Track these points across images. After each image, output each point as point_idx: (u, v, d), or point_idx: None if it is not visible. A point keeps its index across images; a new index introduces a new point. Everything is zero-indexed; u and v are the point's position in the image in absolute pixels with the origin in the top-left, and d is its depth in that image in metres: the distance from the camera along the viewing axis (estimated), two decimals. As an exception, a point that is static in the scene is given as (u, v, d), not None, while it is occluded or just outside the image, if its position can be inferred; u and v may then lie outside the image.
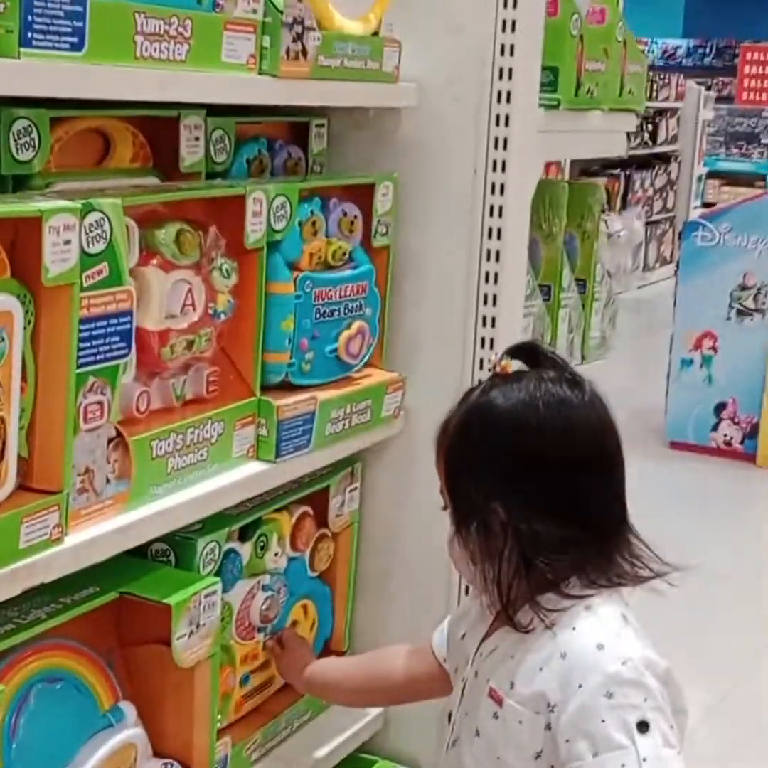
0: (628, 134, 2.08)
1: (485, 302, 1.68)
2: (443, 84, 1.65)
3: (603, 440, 1.27)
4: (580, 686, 1.18)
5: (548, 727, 1.20)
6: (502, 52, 1.62)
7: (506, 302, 1.68)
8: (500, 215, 1.65)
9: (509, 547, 1.24)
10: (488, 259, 1.67)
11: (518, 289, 1.73)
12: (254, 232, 1.43)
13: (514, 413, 1.25)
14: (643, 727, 1.15)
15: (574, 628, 1.22)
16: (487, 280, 1.67)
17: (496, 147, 1.64)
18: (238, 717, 1.61)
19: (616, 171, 8.00)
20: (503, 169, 1.64)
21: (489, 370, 1.32)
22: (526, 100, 1.65)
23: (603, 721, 1.16)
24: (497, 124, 1.63)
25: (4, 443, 1.12)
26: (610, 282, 2.11)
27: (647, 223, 8.19)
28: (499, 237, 1.66)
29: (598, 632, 1.21)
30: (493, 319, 1.68)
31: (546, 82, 1.75)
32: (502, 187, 1.64)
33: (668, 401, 4.81)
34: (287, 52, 1.41)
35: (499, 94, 1.63)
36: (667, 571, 1.28)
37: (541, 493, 1.23)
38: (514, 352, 1.31)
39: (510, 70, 1.62)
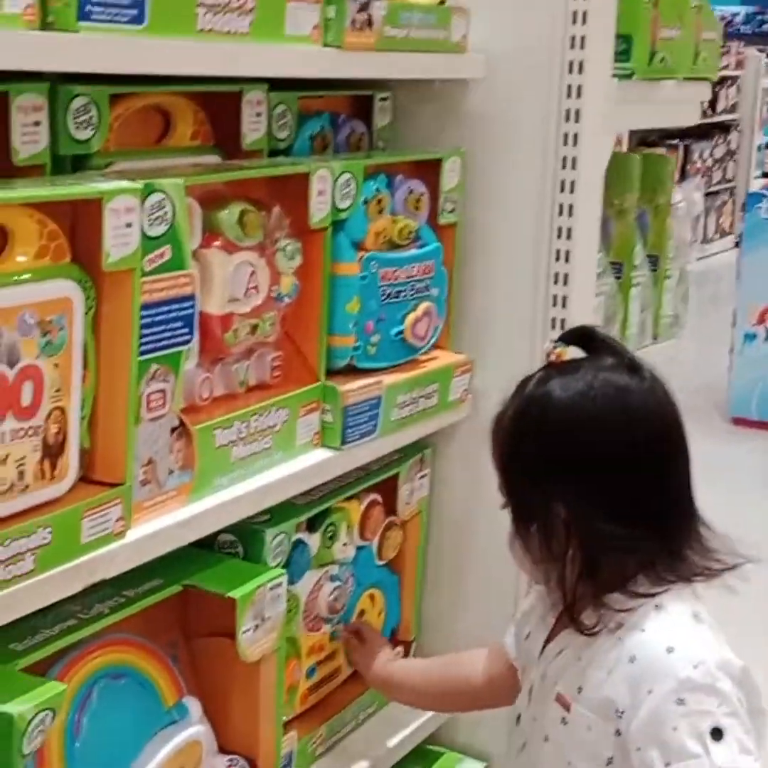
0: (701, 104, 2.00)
1: (556, 281, 1.61)
2: (513, 54, 1.58)
3: (666, 430, 1.20)
4: (649, 692, 1.12)
5: (618, 733, 1.15)
6: (574, 20, 1.54)
7: (578, 281, 1.61)
8: (572, 191, 1.58)
9: (572, 547, 1.18)
10: (559, 236, 1.60)
11: (590, 267, 1.66)
12: (319, 211, 1.38)
13: (571, 406, 1.19)
14: (717, 734, 1.10)
15: (643, 630, 1.16)
16: (558, 258, 1.61)
17: (567, 119, 1.57)
18: (303, 710, 1.57)
19: (675, 141, 7.84)
20: (575, 142, 1.57)
21: (545, 358, 1.25)
22: (599, 70, 1.58)
23: (675, 728, 1.10)
24: (569, 95, 1.56)
25: (64, 434, 1.08)
26: (682, 258, 2.03)
27: (706, 194, 8.04)
28: (570, 213, 1.59)
29: (668, 634, 1.15)
30: (564, 299, 1.62)
31: (619, 51, 1.67)
32: (574, 161, 1.58)
33: (731, 377, 4.71)
34: (352, 22, 1.35)
35: (571, 64, 1.56)
36: (741, 563, 1.21)
37: (604, 489, 1.17)
38: (569, 338, 1.26)
39: (582, 39, 1.54)
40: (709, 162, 8.33)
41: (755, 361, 4.65)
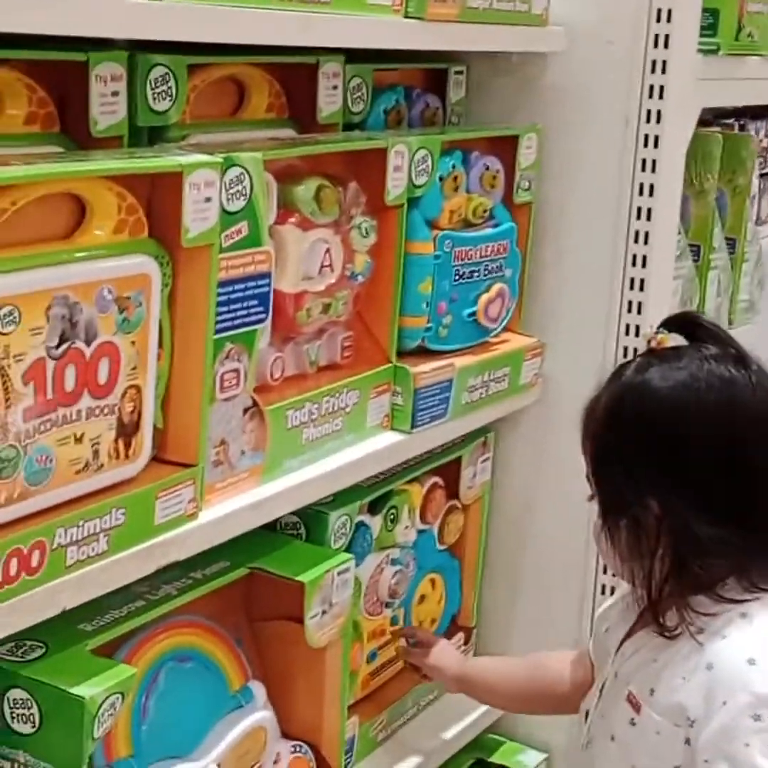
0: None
1: (634, 264, 1.57)
2: (594, 27, 1.53)
3: None
4: (724, 703, 1.07)
5: (687, 742, 1.10)
6: (660, -7, 1.49)
7: (657, 264, 1.56)
8: (653, 170, 1.53)
9: (662, 546, 1.12)
10: (638, 217, 1.55)
11: (669, 250, 1.61)
12: (395, 187, 1.34)
13: (673, 397, 1.12)
14: None
15: (724, 637, 1.11)
16: (636, 239, 1.56)
17: (650, 96, 1.52)
18: (364, 695, 1.55)
19: (730, 120, 7.71)
20: (658, 120, 1.52)
21: (645, 344, 1.19)
22: (685, 45, 1.53)
23: (747, 744, 1.05)
24: (653, 71, 1.51)
25: (139, 413, 1.06)
26: (761, 242, 1.97)
27: (761, 175, 7.90)
28: (651, 194, 1.54)
29: (752, 644, 1.10)
30: (642, 282, 1.57)
31: (705, 26, 1.61)
32: (656, 139, 1.53)
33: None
34: (434, -7, 1.31)
35: (656, 38, 1.50)
36: None
37: (702, 487, 1.11)
38: (672, 324, 1.19)
39: (668, 12, 1.49)
40: (765, 142, 8.19)
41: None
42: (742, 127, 7.45)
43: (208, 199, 1.06)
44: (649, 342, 1.19)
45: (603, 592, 1.64)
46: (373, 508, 1.48)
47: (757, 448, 1.13)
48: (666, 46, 1.50)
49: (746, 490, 1.12)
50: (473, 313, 1.50)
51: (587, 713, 1.27)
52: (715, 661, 1.10)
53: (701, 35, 1.59)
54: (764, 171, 7.39)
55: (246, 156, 1.12)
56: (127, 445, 1.05)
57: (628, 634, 1.22)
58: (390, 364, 1.40)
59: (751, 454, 1.12)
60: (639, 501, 1.13)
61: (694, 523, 1.10)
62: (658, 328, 1.20)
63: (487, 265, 1.51)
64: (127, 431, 1.05)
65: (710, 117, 6.86)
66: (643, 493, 1.13)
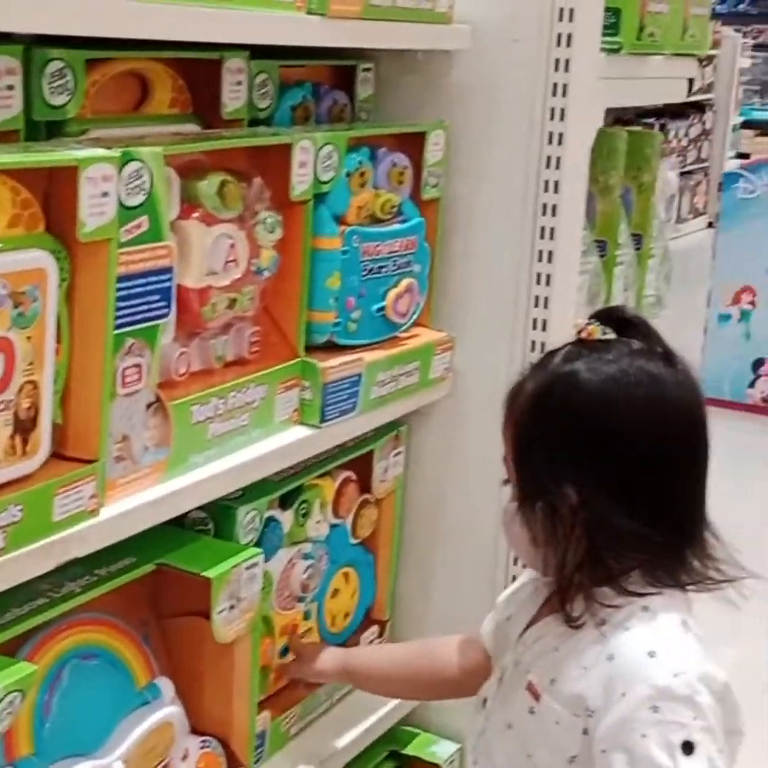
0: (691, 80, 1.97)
1: (540, 259, 1.59)
2: (499, 25, 1.55)
3: (693, 428, 1.16)
4: (623, 695, 1.07)
5: (586, 732, 1.10)
6: (563, -7, 1.52)
7: (562, 259, 1.59)
8: (558, 167, 1.55)
9: (577, 534, 1.13)
10: (544, 213, 1.57)
11: (574, 245, 1.63)
12: (301, 183, 1.34)
13: (602, 391, 1.13)
14: (688, 748, 1.05)
15: (627, 629, 1.12)
16: (542, 235, 1.58)
17: (554, 94, 1.54)
18: (276, 689, 1.55)
19: (651, 120, 7.82)
20: (562, 117, 1.54)
21: (575, 334, 1.20)
22: (587, 44, 1.55)
23: (644, 736, 1.05)
24: (557, 69, 1.53)
25: (36, 409, 1.05)
26: (666, 238, 2.01)
27: (680, 174, 8.02)
28: (555, 190, 1.56)
29: (653, 637, 1.11)
30: (548, 277, 1.59)
31: (607, 25, 1.64)
32: (561, 137, 1.54)
33: (705, 357, 4.71)
34: (337, -11, 1.32)
35: (559, 36, 1.52)
36: (741, 578, 1.16)
37: (622, 481, 1.12)
38: (602, 316, 1.20)
39: (571, 11, 1.51)
40: (685, 142, 8.32)
41: (729, 342, 4.66)
42: (662, 127, 7.59)
43: (105, 194, 1.05)
44: (579, 332, 1.19)
45: (513, 582, 1.66)
46: (284, 503, 1.49)
47: (681, 445, 1.14)
48: (569, 44, 1.52)
49: (666, 487, 1.13)
50: (382, 308, 1.51)
51: (485, 701, 1.27)
52: (617, 653, 1.11)
53: (604, 35, 1.61)
54: (684, 169, 7.53)
55: (145, 151, 1.12)
56: (25, 442, 1.04)
57: (531, 623, 1.23)
58: (298, 359, 1.40)
59: (675, 451, 1.14)
60: (558, 489, 1.14)
61: (613, 515, 1.11)
62: (590, 319, 1.20)
63: (395, 261, 1.52)
64: (24, 427, 1.04)
65: (632, 116, 6.94)
66: (562, 481, 1.13)
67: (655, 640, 1.11)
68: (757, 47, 10.58)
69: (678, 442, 1.14)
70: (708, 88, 9.38)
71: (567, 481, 1.13)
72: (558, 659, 1.16)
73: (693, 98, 8.87)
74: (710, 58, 8.94)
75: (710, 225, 4.94)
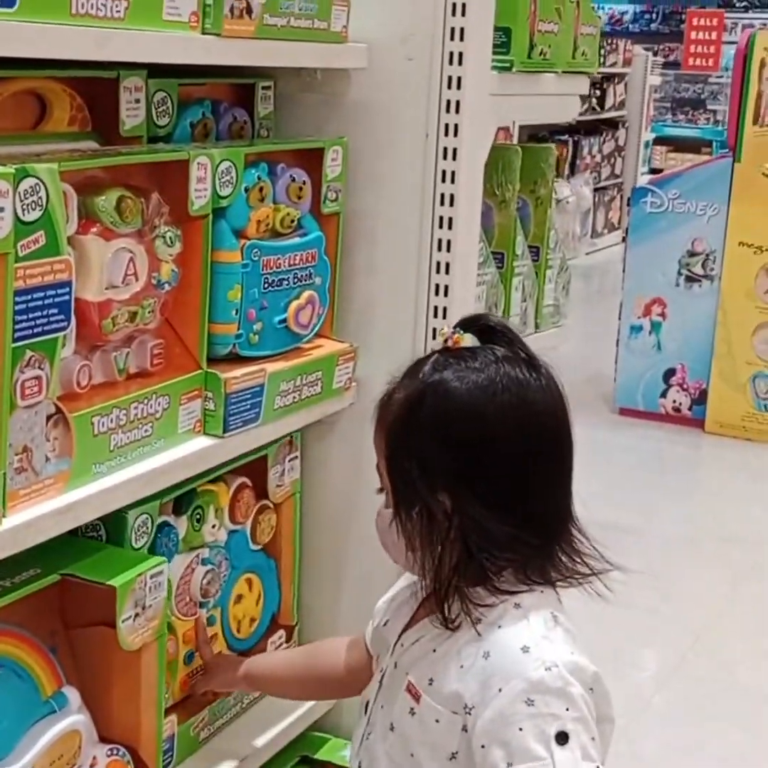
0: (580, 97, 2.03)
1: (438, 271, 1.63)
2: (393, 45, 1.60)
3: (559, 430, 1.20)
4: (500, 690, 1.11)
5: (465, 729, 1.14)
6: (454, 12, 1.57)
7: (459, 270, 1.64)
8: (453, 181, 1.60)
9: (453, 537, 1.16)
10: (441, 226, 1.62)
11: (471, 257, 1.69)
12: (199, 198, 1.38)
13: (470, 399, 1.16)
14: (562, 738, 1.09)
15: (499, 627, 1.16)
16: (439, 247, 1.63)
17: (448, 110, 1.59)
18: (183, 696, 1.57)
19: (565, 137, 7.97)
20: (455, 133, 1.59)
21: (441, 343, 1.22)
22: (478, 62, 1.60)
23: (521, 729, 1.09)
24: (449, 86, 1.58)
25: (-65, 422, 1.07)
26: (563, 249, 2.07)
27: (595, 189, 8.18)
28: (451, 203, 1.61)
29: (525, 633, 1.14)
30: (446, 288, 1.64)
31: (498, 44, 1.70)
32: (455, 151, 1.60)
33: (617, 367, 4.81)
34: (231, 10, 1.35)
35: (451, 55, 1.58)
36: (608, 570, 1.21)
37: (492, 485, 1.16)
38: (467, 325, 1.23)
39: (462, 31, 1.57)
40: (598, 158, 8.49)
41: (640, 352, 4.77)
42: (575, 143, 7.69)
43: (0, 209, 1.07)
44: (445, 341, 1.22)
45: (420, 587, 1.70)
46: (178, 509, 1.51)
47: (543, 450, 1.18)
48: (460, 62, 1.57)
49: (531, 489, 1.17)
50: (284, 320, 1.55)
51: (367, 704, 1.29)
52: (492, 650, 1.14)
53: (495, 53, 1.67)
54: (598, 185, 7.61)
55: (41, 167, 1.14)
56: (-77, 453, 1.06)
57: (408, 625, 1.26)
58: (200, 370, 1.43)
59: (542, 454, 1.18)
60: (431, 494, 1.16)
61: (485, 519, 1.15)
62: (454, 328, 1.23)
63: (296, 274, 1.55)
64: None
65: (546, 133, 7.05)
66: (435, 487, 1.16)
67: (527, 635, 1.14)
68: (668, 65, 10.86)
69: (544, 445, 1.18)
70: (620, 106, 9.58)
71: (439, 486, 1.16)
72: (435, 659, 1.18)
73: (606, 115, 9.06)
74: (622, 76, 9.13)
75: (624, 239, 5.06)
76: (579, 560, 1.20)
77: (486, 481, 1.16)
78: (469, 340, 1.21)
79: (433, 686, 1.17)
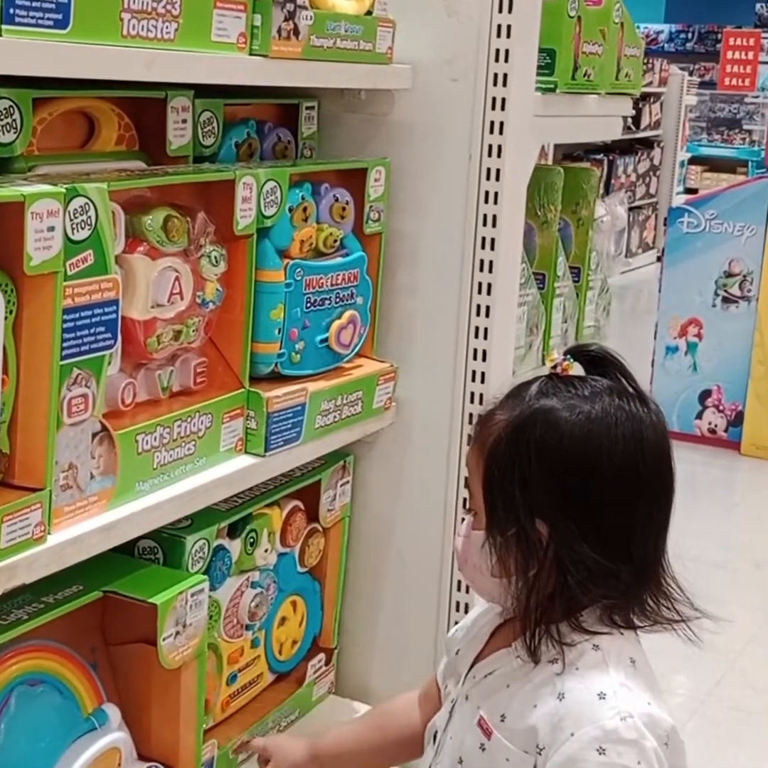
0: (624, 119, 2.03)
1: (479, 291, 1.63)
2: (438, 66, 1.60)
3: (667, 468, 1.16)
4: (572, 734, 1.08)
5: None
6: (499, 34, 1.57)
7: (501, 291, 1.63)
8: (496, 202, 1.60)
9: (548, 566, 1.12)
10: (483, 247, 1.62)
11: (513, 277, 1.68)
12: (244, 218, 1.38)
13: (583, 429, 1.12)
14: None
15: (577, 668, 1.12)
16: (481, 268, 1.63)
17: (491, 131, 1.59)
18: (224, 717, 1.57)
19: (599, 156, 7.96)
20: (499, 154, 1.60)
21: (551, 368, 1.19)
22: (522, 84, 1.60)
23: None
24: (493, 107, 1.59)
25: (-16, 439, 1.08)
26: (604, 270, 2.07)
27: (630, 209, 8.16)
28: (494, 224, 1.61)
29: (603, 678, 1.11)
30: (487, 309, 1.64)
31: (542, 65, 1.70)
32: (498, 172, 1.60)
33: (652, 388, 4.78)
34: (278, 31, 1.36)
35: (496, 76, 1.58)
36: (695, 617, 1.18)
37: (595, 518, 1.12)
38: (577, 353, 1.20)
39: (506, 52, 1.57)
40: (633, 177, 8.47)
41: (676, 373, 4.74)
42: (610, 163, 7.67)
43: (51, 229, 1.08)
44: (555, 367, 1.19)
45: (457, 609, 1.70)
46: (233, 532, 1.51)
47: (654, 486, 1.15)
48: (505, 84, 1.57)
49: (633, 525, 1.14)
50: (325, 339, 1.55)
51: (436, 734, 1.26)
52: (567, 692, 1.11)
53: (539, 74, 1.67)
54: (633, 204, 7.60)
55: (90, 186, 1.15)
56: (-29, 470, 1.06)
57: (480, 656, 1.23)
58: (243, 389, 1.44)
59: (648, 492, 1.14)
60: (529, 520, 1.13)
61: (580, 551, 1.11)
62: (566, 355, 1.20)
63: (338, 293, 1.56)
64: (-29, 456, 1.06)
65: (581, 153, 7.03)
66: (535, 513, 1.13)
67: (605, 681, 1.11)
68: (704, 85, 10.82)
69: (652, 484, 1.15)
70: (656, 125, 9.53)
71: (539, 513, 1.13)
72: (509, 696, 1.16)
73: (641, 134, 9.01)
74: (658, 96, 9.09)
75: (659, 259, 5.04)
76: (667, 606, 1.17)
77: (590, 513, 1.12)
78: (577, 368, 1.19)
79: (505, 723, 1.15)
